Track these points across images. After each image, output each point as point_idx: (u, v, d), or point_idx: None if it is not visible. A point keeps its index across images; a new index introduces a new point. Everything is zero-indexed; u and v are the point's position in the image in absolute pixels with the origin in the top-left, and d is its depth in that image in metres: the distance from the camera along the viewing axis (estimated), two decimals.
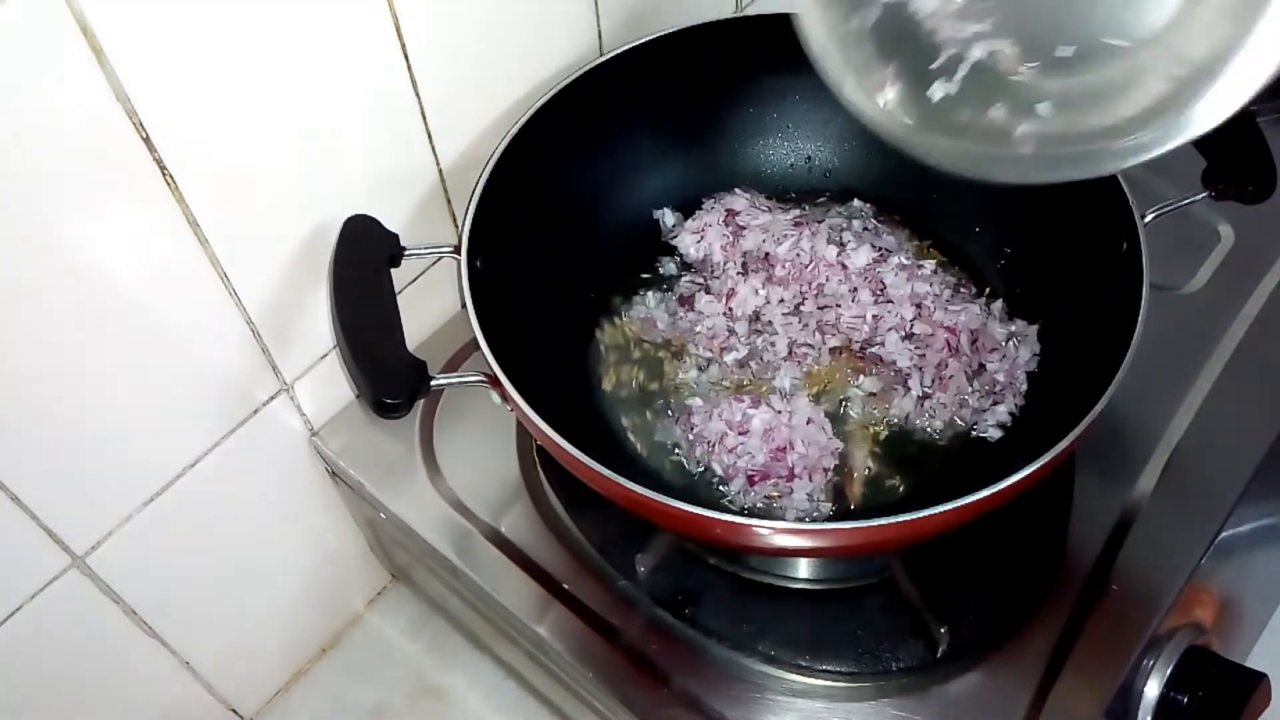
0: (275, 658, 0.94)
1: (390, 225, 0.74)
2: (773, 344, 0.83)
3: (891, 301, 0.83)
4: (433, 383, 0.66)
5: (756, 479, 0.77)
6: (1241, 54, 0.54)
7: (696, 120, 0.90)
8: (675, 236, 0.90)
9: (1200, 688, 0.73)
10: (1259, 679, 0.73)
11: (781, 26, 0.86)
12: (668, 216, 0.91)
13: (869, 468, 0.79)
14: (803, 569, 0.77)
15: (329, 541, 0.92)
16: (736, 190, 0.91)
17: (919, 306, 0.83)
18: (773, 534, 0.66)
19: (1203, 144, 0.75)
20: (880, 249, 0.85)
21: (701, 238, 0.88)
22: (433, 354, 0.84)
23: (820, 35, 0.61)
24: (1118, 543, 0.75)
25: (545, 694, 0.88)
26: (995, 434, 0.79)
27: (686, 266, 0.89)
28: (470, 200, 0.75)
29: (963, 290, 0.85)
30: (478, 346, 0.69)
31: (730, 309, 0.85)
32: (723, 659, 0.73)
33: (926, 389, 0.81)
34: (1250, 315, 0.86)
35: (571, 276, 0.86)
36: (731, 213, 0.89)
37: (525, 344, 0.80)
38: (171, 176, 0.64)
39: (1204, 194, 0.73)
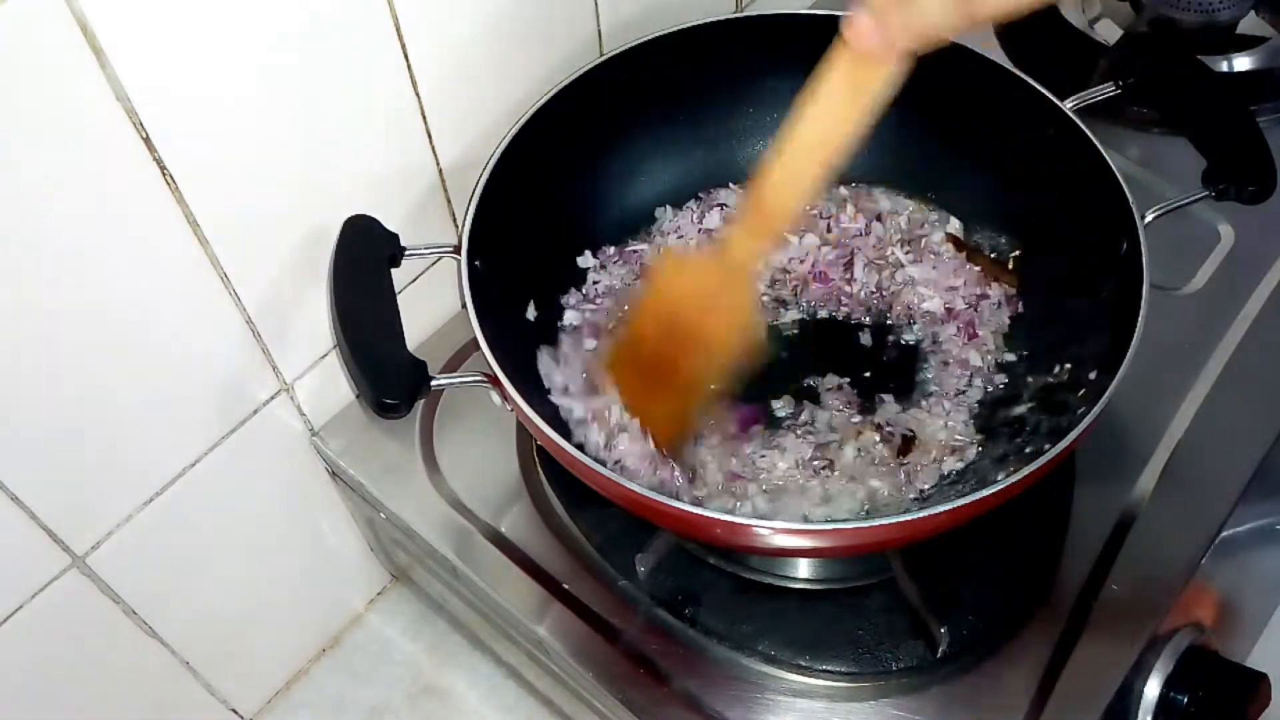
0: (275, 658, 0.94)
1: (390, 225, 0.74)
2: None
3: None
4: (433, 383, 0.66)
5: None
6: None
7: (697, 121, 0.90)
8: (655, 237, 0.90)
9: (1200, 688, 0.73)
10: (1259, 679, 0.73)
11: (781, 26, 0.87)
12: (669, 212, 0.90)
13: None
14: (803, 569, 0.77)
15: (329, 541, 0.92)
16: (730, 185, 0.91)
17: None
18: (773, 534, 0.66)
19: (1203, 144, 0.75)
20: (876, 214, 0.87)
21: (680, 236, 0.89)
22: (433, 354, 0.84)
23: None
24: (1118, 543, 0.75)
25: (545, 694, 0.88)
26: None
27: None
28: (470, 200, 0.75)
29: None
30: (478, 346, 0.69)
31: None
32: (723, 659, 0.73)
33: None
34: (1250, 315, 0.86)
35: (572, 276, 0.86)
36: (723, 207, 0.89)
37: (525, 344, 0.80)
38: (171, 177, 0.64)
39: (1204, 194, 0.73)
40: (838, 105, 0.62)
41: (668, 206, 0.91)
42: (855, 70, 0.60)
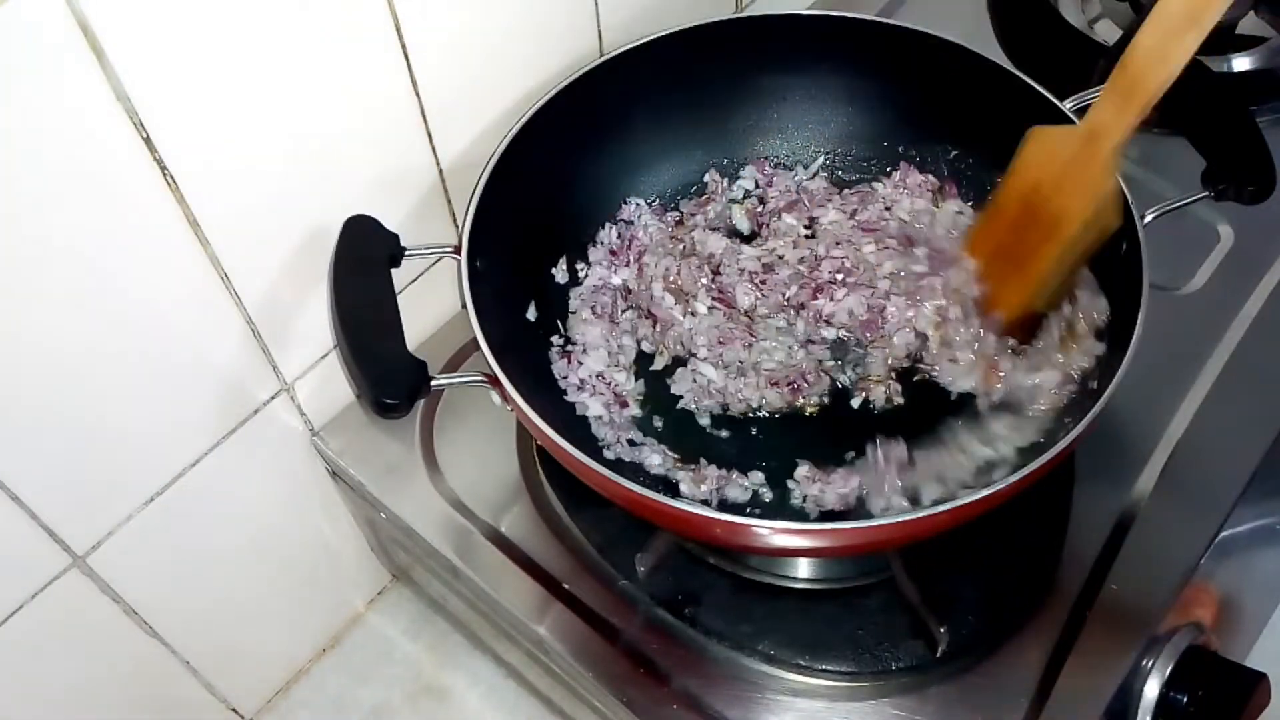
0: (275, 658, 0.94)
1: (390, 225, 0.74)
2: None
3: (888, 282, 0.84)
4: (433, 383, 0.66)
5: None
6: None
7: (696, 121, 0.90)
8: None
9: (1200, 688, 0.73)
10: (1259, 679, 0.73)
11: (781, 26, 0.87)
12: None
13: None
14: (803, 569, 0.77)
15: (329, 541, 0.92)
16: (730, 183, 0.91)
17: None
18: (772, 534, 0.66)
19: (1202, 144, 0.75)
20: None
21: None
22: (433, 354, 0.84)
23: None
24: (1118, 543, 0.75)
25: (545, 694, 0.88)
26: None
27: None
28: (470, 200, 0.75)
29: None
30: (478, 346, 0.69)
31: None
32: (723, 659, 0.73)
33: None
34: (1250, 315, 0.86)
35: (572, 276, 0.86)
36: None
37: (525, 344, 0.80)
38: (172, 176, 0.64)
39: (1204, 194, 0.73)
40: None
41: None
42: None
